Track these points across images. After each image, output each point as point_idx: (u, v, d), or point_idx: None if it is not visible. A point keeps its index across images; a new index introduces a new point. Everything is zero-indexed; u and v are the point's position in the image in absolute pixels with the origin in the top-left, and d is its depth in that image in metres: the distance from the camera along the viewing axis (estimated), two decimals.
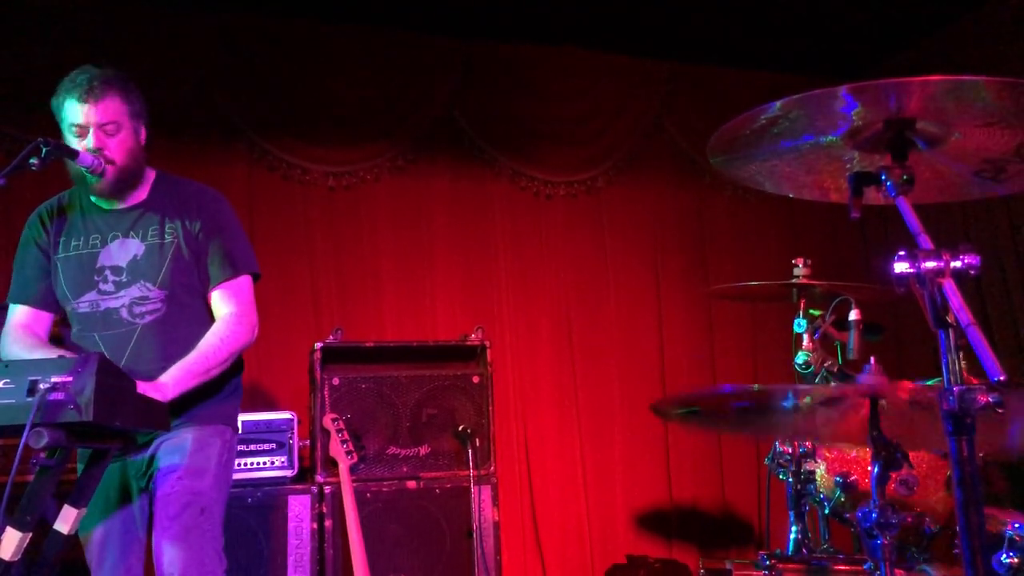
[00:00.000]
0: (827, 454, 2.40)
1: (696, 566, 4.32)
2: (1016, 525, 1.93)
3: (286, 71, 4.26)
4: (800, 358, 2.51)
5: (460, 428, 3.59)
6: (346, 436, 3.32)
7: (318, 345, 3.52)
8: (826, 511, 2.46)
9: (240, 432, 2.55)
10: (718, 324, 4.91)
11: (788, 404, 1.65)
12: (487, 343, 3.72)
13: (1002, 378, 1.14)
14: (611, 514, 4.59)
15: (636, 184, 4.87)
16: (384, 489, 3.50)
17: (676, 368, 4.80)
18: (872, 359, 1.71)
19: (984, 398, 1.21)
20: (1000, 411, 1.22)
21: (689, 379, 4.80)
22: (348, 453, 3.28)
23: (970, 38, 4.38)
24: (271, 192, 4.30)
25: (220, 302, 2.38)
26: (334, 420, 3.35)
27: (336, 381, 3.52)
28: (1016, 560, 1.89)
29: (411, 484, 3.55)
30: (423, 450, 3.62)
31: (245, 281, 2.43)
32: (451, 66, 4.51)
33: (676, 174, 4.92)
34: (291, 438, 3.47)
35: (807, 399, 1.60)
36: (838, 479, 2.34)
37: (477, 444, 3.58)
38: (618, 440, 4.66)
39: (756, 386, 1.62)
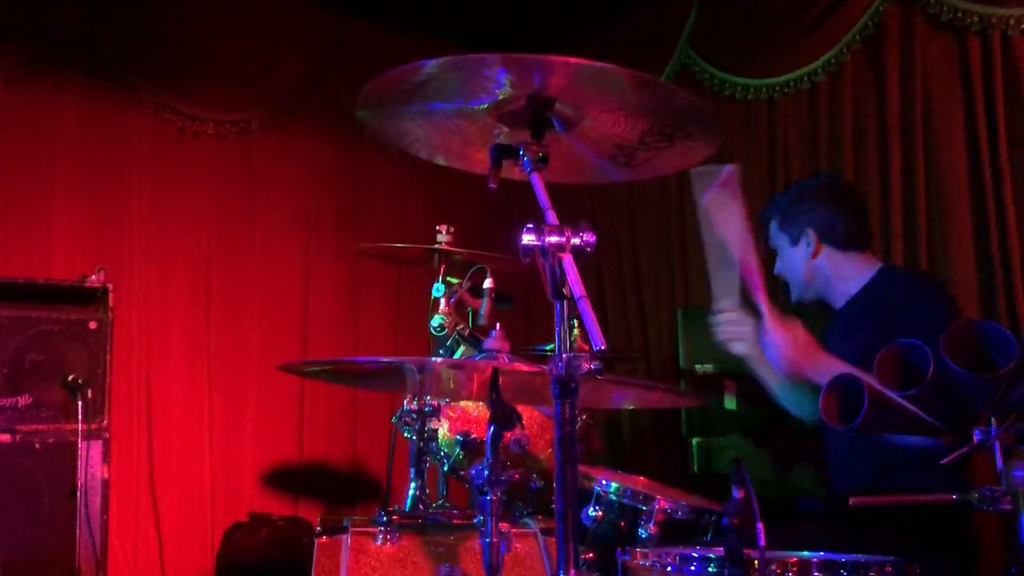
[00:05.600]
0: (451, 413, 2.50)
1: None
2: (604, 481, 2.15)
3: None
4: (435, 321, 2.59)
5: (70, 378, 3.24)
6: None
7: None
8: (445, 468, 2.57)
9: None
10: (365, 283, 4.92)
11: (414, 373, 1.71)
12: (110, 286, 3.38)
13: (603, 347, 1.24)
14: (238, 472, 4.43)
15: (293, 134, 4.70)
16: None
17: (319, 323, 4.73)
18: (498, 325, 1.79)
19: (588, 365, 1.31)
20: (600, 377, 1.33)
21: (333, 335, 4.77)
22: None
23: (631, 31, 4.73)
24: None
25: None
26: None
27: None
28: (600, 513, 2.10)
29: (5, 437, 3.15)
30: (23, 400, 3.22)
31: None
32: None
33: (336, 129, 4.81)
34: None
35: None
36: (459, 437, 2.45)
37: (89, 396, 3.25)
38: (251, 395, 4.50)
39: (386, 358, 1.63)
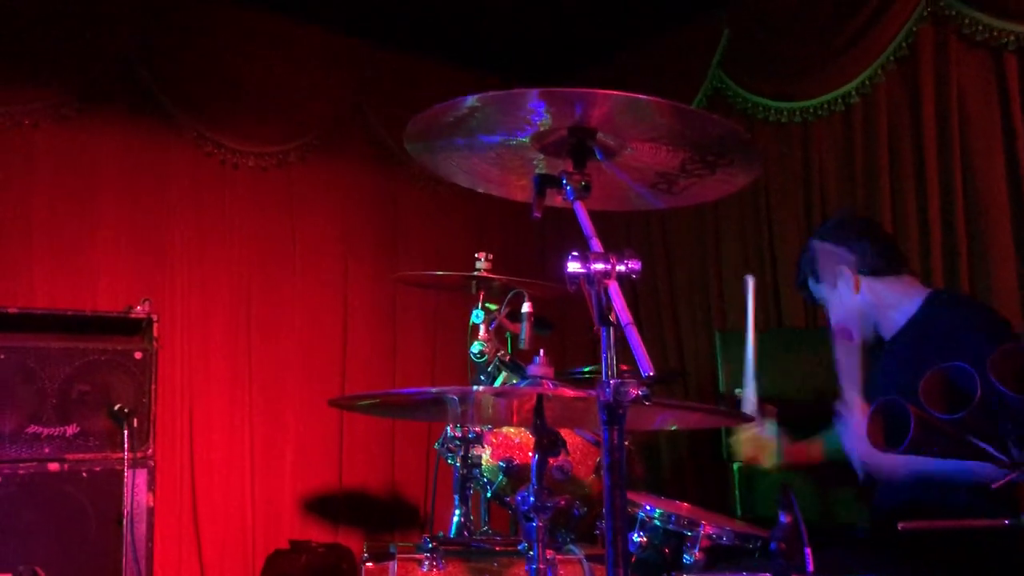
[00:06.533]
0: (493, 440, 2.51)
1: (361, 550, 4.34)
2: (648, 507, 2.15)
3: None
4: (475, 347, 2.60)
5: (116, 407, 3.30)
6: None
7: None
8: (488, 495, 2.57)
9: None
10: (402, 310, 4.97)
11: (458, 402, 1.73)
12: (154, 317, 3.45)
13: (651, 373, 1.25)
14: (278, 499, 4.47)
15: (331, 164, 4.78)
16: (20, 472, 3.13)
17: (358, 351, 4.78)
18: (541, 351, 1.81)
19: (635, 391, 1.32)
20: (648, 403, 1.33)
21: (371, 362, 4.82)
22: None
23: (662, 55, 4.78)
24: None
25: None
26: None
27: None
28: (645, 539, 2.10)
29: (53, 466, 3.21)
30: (71, 430, 3.28)
31: None
32: (134, 10, 4.12)
33: (372, 158, 4.90)
34: None
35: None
36: (502, 464, 2.46)
37: (135, 425, 3.31)
38: (291, 424, 4.54)
39: (434, 389, 1.66)
